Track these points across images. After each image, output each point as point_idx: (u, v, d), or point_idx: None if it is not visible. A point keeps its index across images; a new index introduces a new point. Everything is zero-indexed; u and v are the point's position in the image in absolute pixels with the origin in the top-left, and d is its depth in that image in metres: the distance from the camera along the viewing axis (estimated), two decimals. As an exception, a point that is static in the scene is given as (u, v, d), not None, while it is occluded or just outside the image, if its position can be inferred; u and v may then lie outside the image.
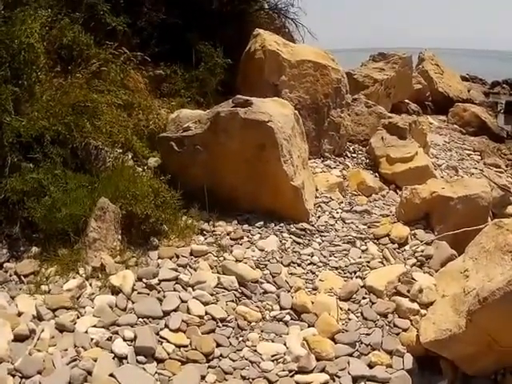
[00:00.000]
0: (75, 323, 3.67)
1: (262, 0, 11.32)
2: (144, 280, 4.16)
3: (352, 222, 5.85)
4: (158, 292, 4.11)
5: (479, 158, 10.60)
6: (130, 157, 5.77)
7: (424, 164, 7.36)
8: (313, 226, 5.56)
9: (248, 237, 5.04)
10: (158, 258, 4.50)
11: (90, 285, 4.12)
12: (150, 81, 7.41)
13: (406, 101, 14.46)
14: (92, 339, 3.53)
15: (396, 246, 5.32)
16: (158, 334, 3.71)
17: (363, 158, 8.03)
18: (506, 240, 3.97)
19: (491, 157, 10.97)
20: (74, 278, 4.10)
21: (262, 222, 5.30)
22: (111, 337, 3.60)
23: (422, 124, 8.81)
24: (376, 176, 7.52)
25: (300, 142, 6.07)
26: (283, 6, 11.55)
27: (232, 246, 4.83)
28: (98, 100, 5.23)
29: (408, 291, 4.40)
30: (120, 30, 6.86)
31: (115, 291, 4.03)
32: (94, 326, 3.66)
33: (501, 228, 4.21)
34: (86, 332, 3.60)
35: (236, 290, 4.24)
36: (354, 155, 8.12)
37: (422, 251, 5.12)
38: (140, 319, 3.81)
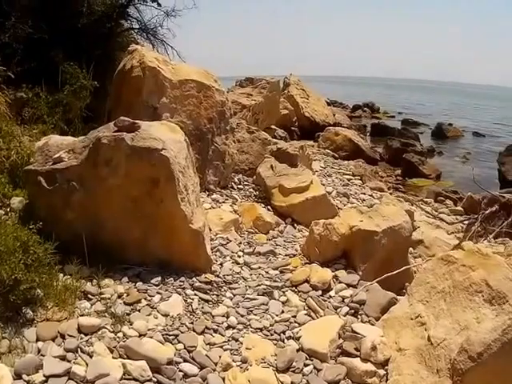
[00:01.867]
0: None
1: (132, 19, 10.66)
2: (25, 377, 2.93)
3: (260, 267, 4.96)
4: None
5: (360, 182, 10.37)
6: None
7: (321, 193, 6.75)
8: (218, 276, 4.59)
9: (146, 299, 3.93)
10: (37, 339, 3.27)
11: None
12: (11, 104, 6.29)
13: (273, 127, 14.18)
14: None
15: (319, 292, 4.51)
16: None
17: (251, 190, 7.25)
18: (470, 279, 3.37)
19: (372, 180, 10.82)
20: None
21: (158, 278, 4.22)
22: None
23: (306, 149, 8.29)
24: (269, 209, 6.80)
25: (193, 174, 5.15)
26: (152, 27, 10.89)
27: (129, 313, 3.69)
28: None
29: (356, 349, 3.63)
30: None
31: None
32: None
33: (453, 263, 3.64)
34: None
35: (150, 380, 3.13)
36: (240, 186, 7.32)
37: (352, 296, 4.40)
38: None
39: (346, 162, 12.56)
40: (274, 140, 8.39)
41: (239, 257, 5.19)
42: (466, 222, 7.97)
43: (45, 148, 4.57)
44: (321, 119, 16.60)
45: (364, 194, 9.09)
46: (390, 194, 9.95)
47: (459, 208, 9.42)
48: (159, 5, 11.28)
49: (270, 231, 6.19)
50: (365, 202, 8.39)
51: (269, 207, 6.82)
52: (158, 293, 4.05)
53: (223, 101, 7.08)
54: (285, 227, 6.42)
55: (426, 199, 10.46)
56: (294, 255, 5.42)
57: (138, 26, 11.33)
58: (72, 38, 7.95)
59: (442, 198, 10.51)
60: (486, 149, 19.02)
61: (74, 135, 5.60)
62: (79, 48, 7.83)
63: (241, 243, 5.58)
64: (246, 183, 7.45)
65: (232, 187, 7.22)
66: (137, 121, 4.45)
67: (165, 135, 4.55)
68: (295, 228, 6.46)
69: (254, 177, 7.39)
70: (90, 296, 3.84)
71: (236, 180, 7.44)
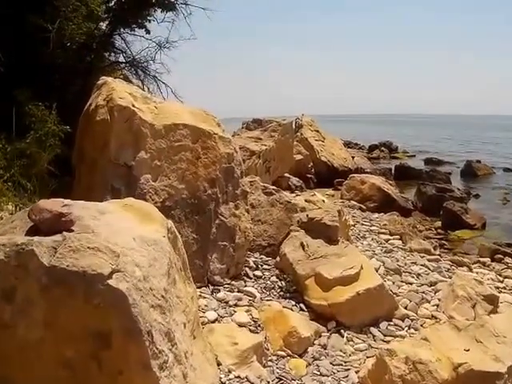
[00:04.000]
0: None
1: (118, 52, 8.83)
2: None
3: None
4: None
5: (401, 243, 8.30)
6: None
7: (377, 283, 4.63)
8: None
9: None
10: None
11: None
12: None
13: (287, 175, 12.23)
14: None
15: None
16: None
17: (274, 278, 5.10)
18: None
19: (414, 239, 8.70)
20: None
21: None
22: None
23: (344, 213, 6.20)
24: (302, 308, 4.69)
25: (183, 289, 3.05)
26: (142, 61, 9.05)
27: None
28: None
29: None
30: None
31: None
32: None
33: None
34: None
35: None
36: (257, 273, 5.15)
37: None
38: None
39: (376, 214, 10.50)
40: (301, 202, 6.26)
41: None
42: None
43: None
44: (339, 164, 14.60)
45: (415, 263, 6.95)
46: (439, 256, 7.88)
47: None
48: (148, 32, 9.49)
49: (309, 348, 4.10)
50: (420, 278, 6.28)
51: (301, 305, 4.71)
52: None
53: (230, 153, 5.03)
54: (328, 338, 4.33)
55: (481, 258, 8.38)
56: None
57: (125, 60, 9.55)
58: (42, 74, 6.76)
59: (500, 256, 8.47)
60: None
61: (39, 197, 4.62)
62: (50, 85, 6.68)
63: (269, 384, 3.46)
64: (265, 267, 5.31)
65: (246, 275, 5.08)
66: (69, 207, 2.37)
67: (127, 233, 2.50)
68: (343, 336, 4.37)
69: (278, 258, 5.28)
70: None
71: (251, 263, 5.30)
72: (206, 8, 10.27)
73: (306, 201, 9.86)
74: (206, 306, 4.29)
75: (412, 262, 6.89)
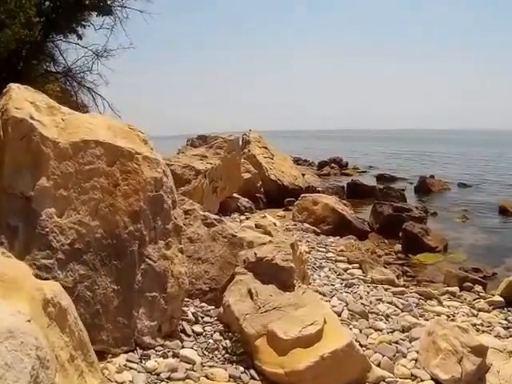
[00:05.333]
0: None
1: (50, 61, 7.79)
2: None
3: None
4: None
5: (361, 272, 7.44)
6: None
7: (345, 342, 3.65)
8: None
9: None
10: None
11: None
12: None
13: (236, 195, 11.29)
14: None
15: None
16: None
17: (217, 336, 4.01)
18: None
19: (374, 267, 7.82)
20: None
21: None
22: None
23: (299, 247, 5.22)
24: (253, 377, 3.65)
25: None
26: (77, 72, 8.05)
27: None
28: None
29: None
30: None
31: None
32: None
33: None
34: None
35: None
36: (197, 329, 4.08)
37: None
38: None
39: (331, 238, 9.65)
40: (248, 234, 5.19)
41: None
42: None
43: None
44: (289, 182, 13.74)
45: (381, 300, 6.04)
46: (404, 286, 7.05)
47: (497, 298, 6.81)
48: (80, 37, 8.42)
49: None
50: (390, 320, 5.36)
51: (252, 371, 3.68)
52: None
53: (158, 178, 3.99)
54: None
55: (449, 288, 7.56)
56: None
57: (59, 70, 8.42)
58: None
59: (469, 284, 7.70)
60: (480, 202, 16.56)
61: None
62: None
63: None
64: (206, 320, 4.24)
65: (184, 331, 4.01)
66: None
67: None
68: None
69: (221, 309, 4.23)
70: None
71: (190, 314, 4.23)
72: (144, 11, 9.29)
73: (256, 226, 8.90)
74: (131, 382, 3.23)
75: (377, 299, 6.00)
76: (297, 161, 24.08)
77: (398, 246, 10.23)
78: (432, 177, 20.00)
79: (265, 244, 4.58)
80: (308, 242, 8.93)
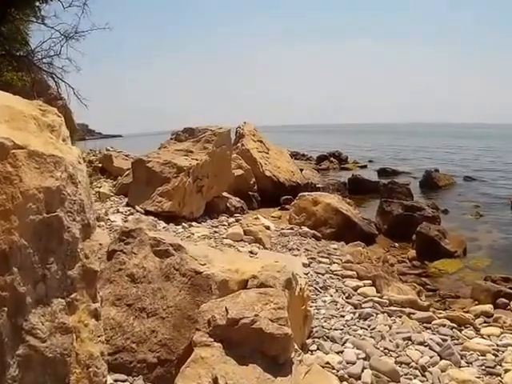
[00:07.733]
0: None
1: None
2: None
3: None
4: None
5: (374, 291, 6.11)
6: None
7: None
8: None
9: None
10: None
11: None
12: None
13: (225, 194, 9.99)
14: None
15: None
16: None
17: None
18: None
19: (390, 283, 6.47)
20: None
21: None
22: None
23: (298, 282, 3.82)
24: None
25: None
26: (43, 56, 6.74)
27: None
28: None
29: None
30: None
31: None
32: None
33: None
34: None
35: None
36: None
37: None
38: None
39: (334, 244, 8.33)
40: (220, 266, 3.59)
41: None
42: None
43: None
44: (286, 178, 12.45)
45: (409, 340, 4.59)
46: (429, 310, 5.76)
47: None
48: (35, 12, 7.00)
49: None
50: (428, 377, 3.90)
51: None
52: None
53: (53, 189, 2.19)
54: None
55: (481, 306, 6.24)
56: None
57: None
58: None
59: (504, 301, 6.46)
60: (490, 196, 15.60)
61: None
62: None
63: None
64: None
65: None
66: None
67: None
68: None
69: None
70: None
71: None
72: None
73: (245, 232, 7.54)
74: None
75: (405, 338, 4.56)
76: (295, 155, 22.87)
77: (412, 252, 8.94)
78: (437, 170, 18.73)
79: (245, 285, 3.16)
80: (307, 250, 7.63)
